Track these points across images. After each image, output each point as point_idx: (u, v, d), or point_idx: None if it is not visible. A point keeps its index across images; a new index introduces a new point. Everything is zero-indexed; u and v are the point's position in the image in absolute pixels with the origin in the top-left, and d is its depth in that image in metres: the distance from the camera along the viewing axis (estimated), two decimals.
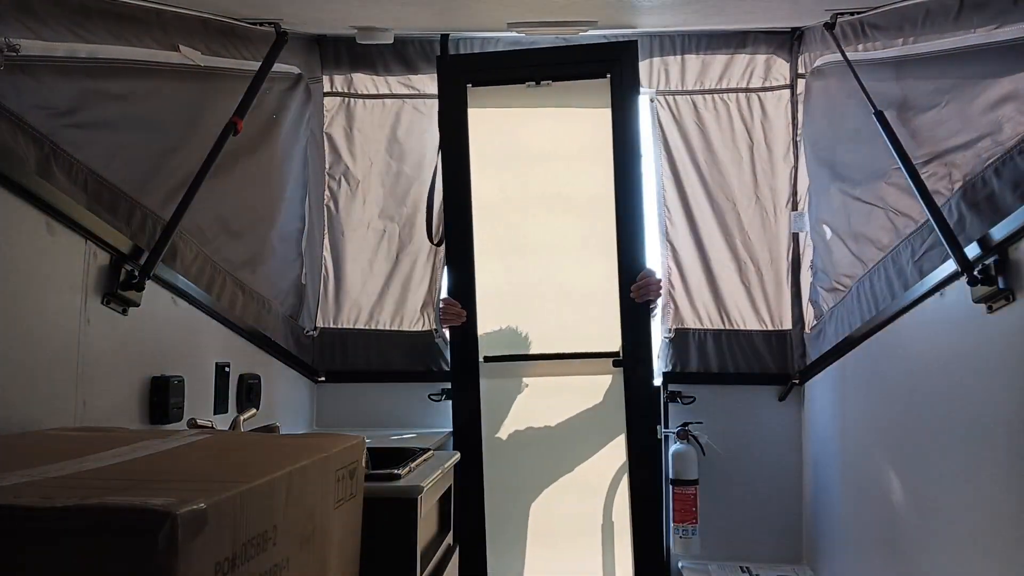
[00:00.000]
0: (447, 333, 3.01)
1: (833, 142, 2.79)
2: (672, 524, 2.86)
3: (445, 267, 2.98)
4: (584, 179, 2.97)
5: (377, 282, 3.15)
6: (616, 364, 2.92)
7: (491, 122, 3.01)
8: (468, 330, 2.90)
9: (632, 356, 2.89)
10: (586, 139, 2.99)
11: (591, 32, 2.84)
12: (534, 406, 3.04)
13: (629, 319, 2.88)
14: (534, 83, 2.95)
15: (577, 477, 3.06)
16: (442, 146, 2.96)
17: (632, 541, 2.97)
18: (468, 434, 2.92)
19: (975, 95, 1.94)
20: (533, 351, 2.99)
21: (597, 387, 2.98)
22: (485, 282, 2.94)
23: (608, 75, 2.90)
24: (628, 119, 2.90)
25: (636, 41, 2.93)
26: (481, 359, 2.94)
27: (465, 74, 2.96)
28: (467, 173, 2.93)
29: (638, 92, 2.91)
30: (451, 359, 2.96)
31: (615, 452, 3.07)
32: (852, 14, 2.41)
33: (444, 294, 3.03)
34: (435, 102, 3.07)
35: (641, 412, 2.89)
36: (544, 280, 3.00)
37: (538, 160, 3.02)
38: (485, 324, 2.95)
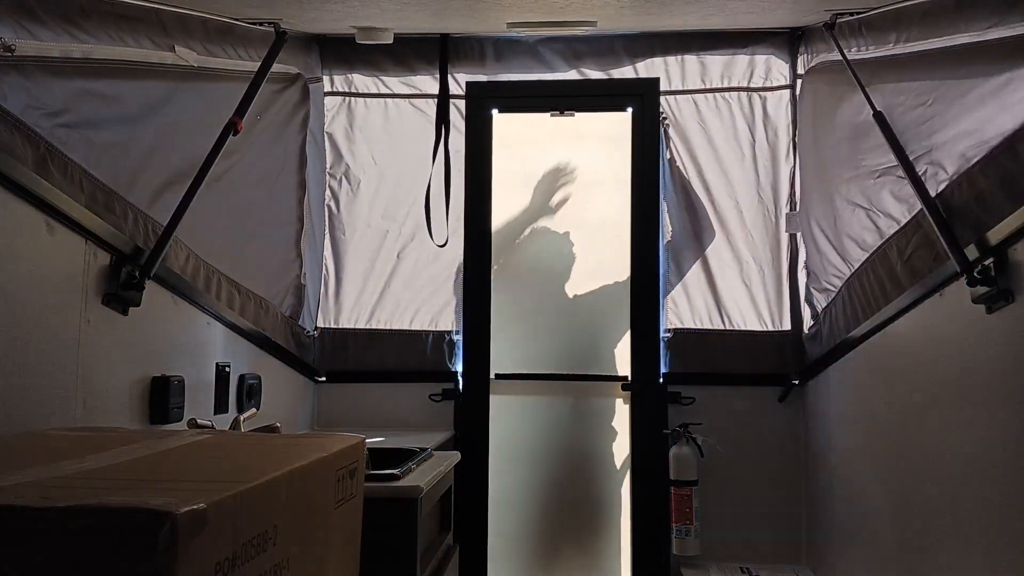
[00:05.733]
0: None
1: (822, 141, 2.79)
2: (672, 525, 2.86)
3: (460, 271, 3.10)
4: (601, 204, 3.13)
5: (378, 282, 3.14)
6: (625, 388, 2.98)
7: (513, 145, 3.16)
8: (482, 346, 3.03)
9: (641, 381, 2.98)
10: (604, 165, 3.14)
11: (600, 28, 2.84)
12: (539, 417, 3.11)
13: (639, 344, 2.98)
14: (558, 112, 3.13)
15: (580, 482, 3.07)
16: (466, 167, 3.10)
17: (631, 542, 2.98)
18: (474, 440, 2.97)
19: (961, 94, 1.94)
20: (543, 371, 3.10)
21: (605, 409, 3.07)
22: (499, 300, 3.10)
23: (630, 109, 3.07)
24: (648, 151, 3.04)
25: (659, 78, 3.06)
26: (492, 376, 3.06)
27: (492, 100, 3.13)
28: (489, 194, 3.10)
29: (659, 126, 3.04)
30: (463, 374, 3.05)
31: (617, 455, 3.07)
32: (852, 14, 2.41)
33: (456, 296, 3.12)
34: (436, 102, 3.13)
35: (647, 435, 2.97)
36: (558, 300, 3.14)
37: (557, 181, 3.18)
38: (497, 342, 3.08)
